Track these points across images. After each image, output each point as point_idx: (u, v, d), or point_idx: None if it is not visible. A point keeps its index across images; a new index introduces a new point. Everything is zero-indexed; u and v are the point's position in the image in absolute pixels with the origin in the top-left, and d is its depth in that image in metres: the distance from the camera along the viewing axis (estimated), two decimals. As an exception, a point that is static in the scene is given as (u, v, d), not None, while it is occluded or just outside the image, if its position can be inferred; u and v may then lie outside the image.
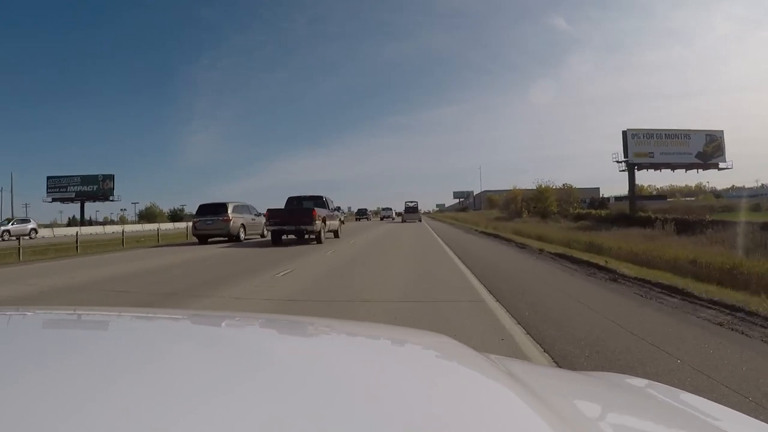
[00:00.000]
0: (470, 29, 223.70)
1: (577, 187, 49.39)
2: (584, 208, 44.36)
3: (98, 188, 48.64)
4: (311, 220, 15.81)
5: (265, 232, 18.10)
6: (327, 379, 0.64)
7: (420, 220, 46.18)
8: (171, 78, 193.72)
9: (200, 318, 1.25)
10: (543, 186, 45.71)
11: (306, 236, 16.28)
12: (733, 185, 76.38)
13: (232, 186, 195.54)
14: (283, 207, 18.15)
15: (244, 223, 18.98)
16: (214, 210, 18.66)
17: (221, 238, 18.58)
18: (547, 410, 0.60)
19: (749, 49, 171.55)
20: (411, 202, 56.74)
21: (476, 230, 24.73)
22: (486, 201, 72.23)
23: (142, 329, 1.01)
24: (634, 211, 37.79)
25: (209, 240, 18.68)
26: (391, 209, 74.51)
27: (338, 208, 21.67)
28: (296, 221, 16.01)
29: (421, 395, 0.63)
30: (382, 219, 66.52)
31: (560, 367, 3.30)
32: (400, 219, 53.81)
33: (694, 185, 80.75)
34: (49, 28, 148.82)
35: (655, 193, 75.58)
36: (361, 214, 71.54)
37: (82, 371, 0.63)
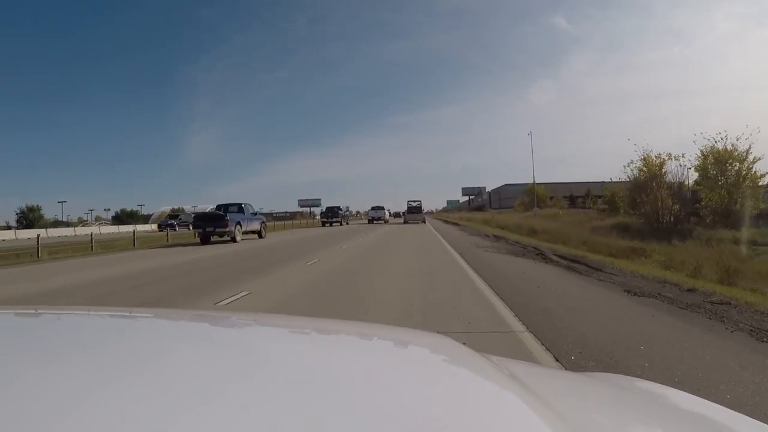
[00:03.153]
0: (470, 29, 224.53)
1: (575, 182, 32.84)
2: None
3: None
4: None
5: None
6: (326, 379, 0.64)
7: (424, 221, 42.88)
8: (171, 79, 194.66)
9: (199, 318, 1.26)
10: (720, 149, 19.15)
11: None
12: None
13: (232, 187, 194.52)
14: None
15: None
16: None
17: None
18: (547, 411, 0.60)
19: (750, 48, 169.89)
20: (414, 201, 52.26)
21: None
22: (528, 196, 50.02)
23: (141, 329, 1.01)
24: None
25: None
26: (383, 209, 53.03)
27: None
28: None
29: (421, 396, 0.63)
30: (370, 222, 49.21)
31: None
32: (397, 221, 48.51)
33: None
34: (49, 29, 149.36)
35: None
36: (330, 215, 46.72)
37: (80, 371, 0.63)
